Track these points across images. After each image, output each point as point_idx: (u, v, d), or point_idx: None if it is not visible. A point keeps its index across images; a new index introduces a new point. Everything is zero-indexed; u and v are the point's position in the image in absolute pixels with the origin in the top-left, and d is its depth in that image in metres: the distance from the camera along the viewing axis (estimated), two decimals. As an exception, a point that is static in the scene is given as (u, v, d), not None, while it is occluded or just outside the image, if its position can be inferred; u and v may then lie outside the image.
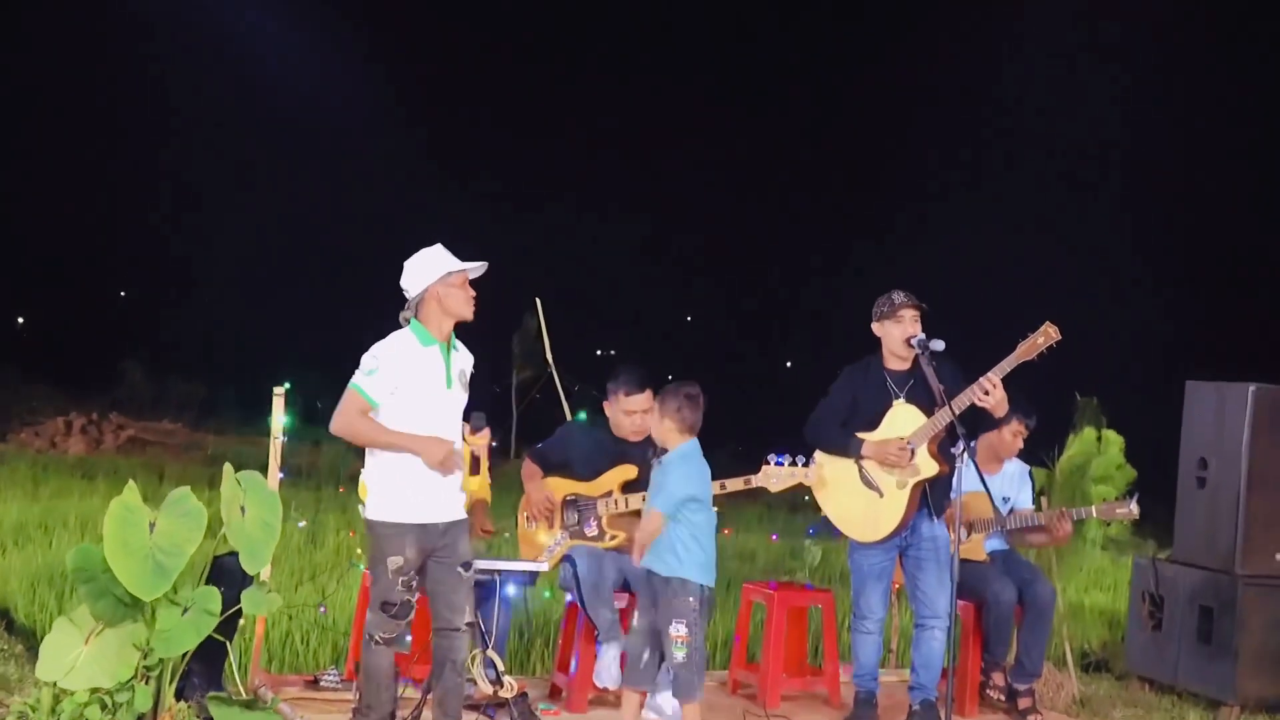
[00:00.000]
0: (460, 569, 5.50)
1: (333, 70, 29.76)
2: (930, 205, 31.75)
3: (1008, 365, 6.13)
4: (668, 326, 34.76)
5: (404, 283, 5.50)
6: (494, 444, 6.11)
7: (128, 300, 36.25)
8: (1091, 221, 28.31)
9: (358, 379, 5.39)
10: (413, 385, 5.40)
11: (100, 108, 32.92)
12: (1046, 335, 6.13)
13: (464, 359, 5.62)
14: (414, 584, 5.42)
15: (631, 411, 6.57)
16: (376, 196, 31.00)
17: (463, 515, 5.58)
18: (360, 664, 5.53)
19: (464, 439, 5.68)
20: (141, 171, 33.36)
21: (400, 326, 5.53)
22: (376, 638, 5.42)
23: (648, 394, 6.52)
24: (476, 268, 5.54)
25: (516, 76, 34.53)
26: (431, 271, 5.45)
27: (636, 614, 5.87)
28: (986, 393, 6.04)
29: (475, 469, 5.91)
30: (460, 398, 5.56)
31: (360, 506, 5.59)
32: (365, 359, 5.42)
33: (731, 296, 35.47)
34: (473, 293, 5.53)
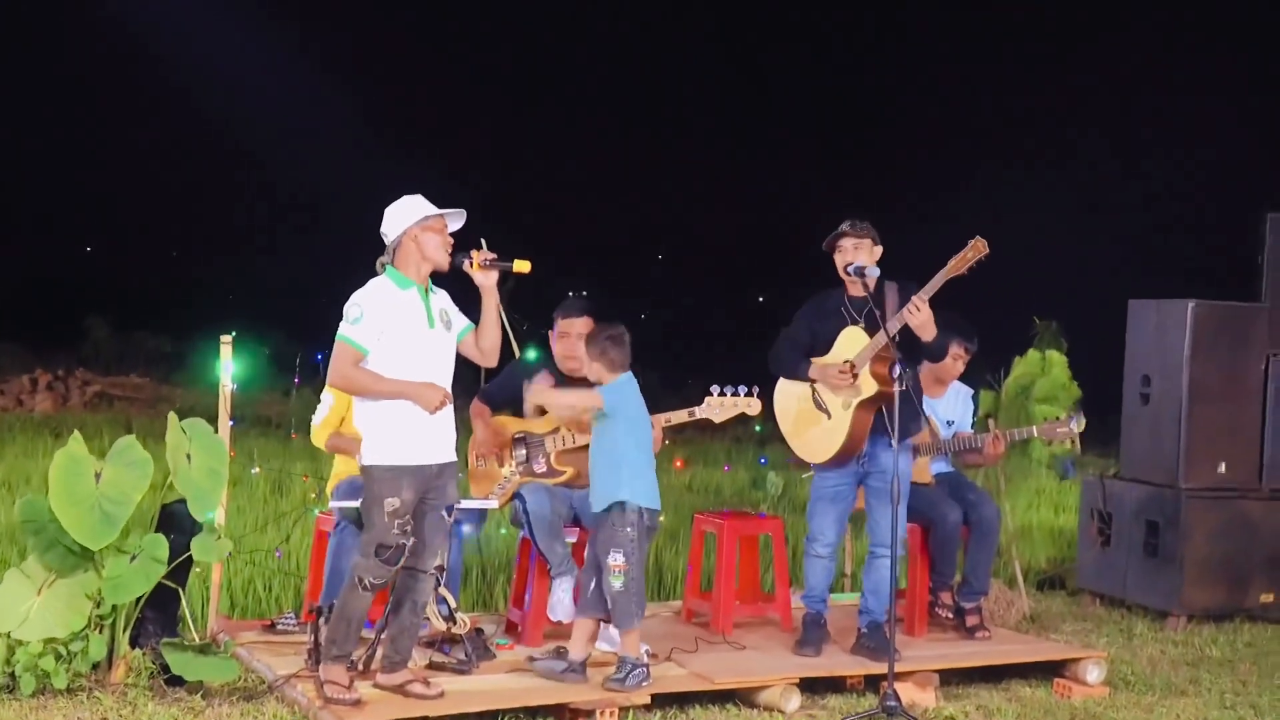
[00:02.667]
0: (444, 512, 5.56)
1: (283, 30, 29.60)
2: (901, 137, 31.77)
3: (937, 282, 6.13)
4: (639, 264, 34.77)
5: (384, 229, 5.53)
6: None
7: (93, 256, 36.06)
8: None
9: (344, 330, 5.38)
10: (396, 328, 5.42)
11: (55, 64, 32.64)
12: (975, 249, 6.14)
13: (442, 299, 5.64)
14: (409, 528, 5.43)
15: (564, 333, 6.65)
16: (336, 150, 30.86)
17: (454, 457, 5.60)
18: (338, 602, 5.54)
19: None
20: (103, 125, 33.12)
21: (377, 275, 5.54)
22: (366, 582, 5.41)
23: (585, 319, 6.60)
24: (455, 214, 5.58)
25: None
26: (410, 215, 5.48)
27: (589, 545, 6.00)
28: (914, 312, 6.10)
29: None
30: (445, 338, 5.57)
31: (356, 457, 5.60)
32: (348, 308, 5.41)
33: (703, 233, 35.46)
34: (450, 240, 5.55)
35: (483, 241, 5.93)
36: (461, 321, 5.67)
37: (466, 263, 5.60)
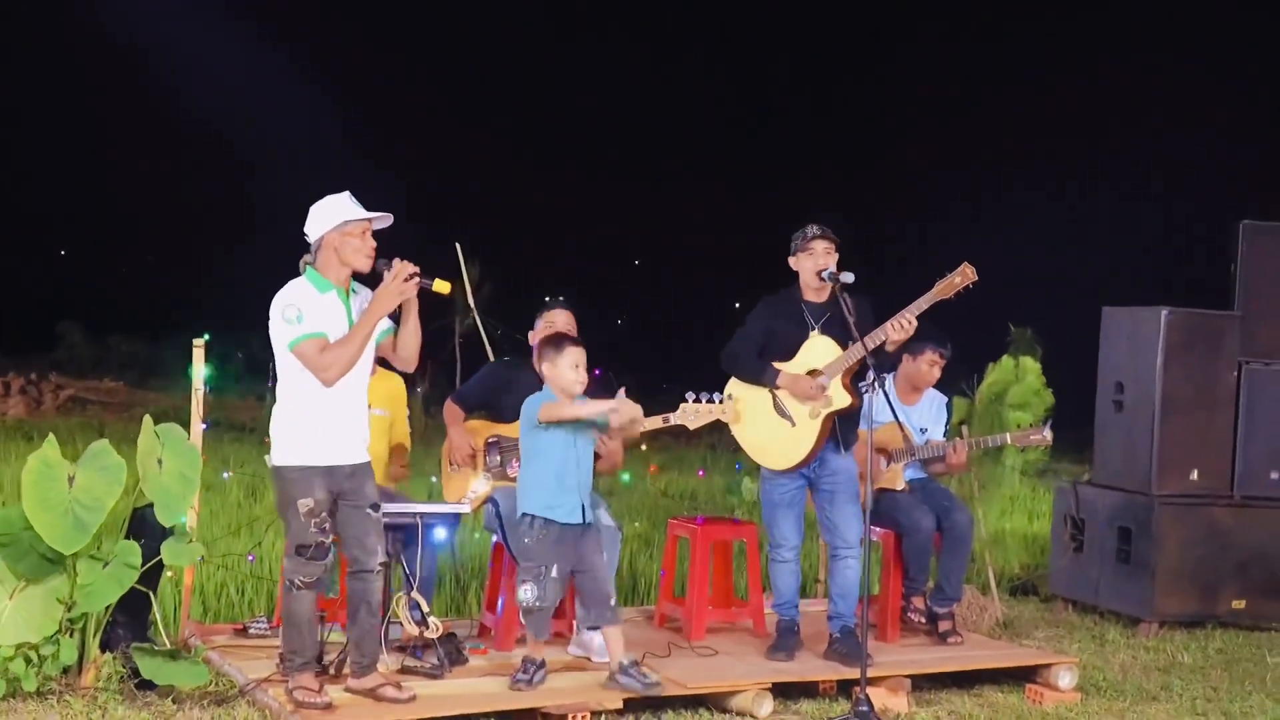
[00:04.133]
0: (369, 510, 5.52)
1: (257, 33, 29.53)
2: (881, 146, 31.86)
3: (924, 303, 6.17)
4: (616, 268, 34.80)
5: (306, 228, 5.45)
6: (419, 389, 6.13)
7: (67, 260, 35.88)
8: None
9: (294, 333, 5.31)
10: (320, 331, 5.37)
11: (32, 67, 32.49)
12: (964, 275, 6.17)
13: (364, 299, 5.52)
14: (327, 526, 5.42)
15: (550, 325, 6.64)
16: (312, 154, 30.74)
17: (366, 458, 5.57)
18: (283, 610, 5.54)
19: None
20: (77, 131, 32.97)
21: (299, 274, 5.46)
22: (296, 582, 5.41)
23: (567, 314, 6.61)
24: (380, 217, 5.47)
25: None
26: (330, 219, 5.38)
27: (556, 566, 5.77)
28: (902, 328, 6.11)
29: None
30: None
31: (265, 456, 5.59)
32: (284, 311, 5.32)
33: (681, 239, 35.46)
34: (372, 244, 5.44)
35: (459, 252, 5.90)
36: (384, 323, 5.59)
37: (388, 274, 5.43)
